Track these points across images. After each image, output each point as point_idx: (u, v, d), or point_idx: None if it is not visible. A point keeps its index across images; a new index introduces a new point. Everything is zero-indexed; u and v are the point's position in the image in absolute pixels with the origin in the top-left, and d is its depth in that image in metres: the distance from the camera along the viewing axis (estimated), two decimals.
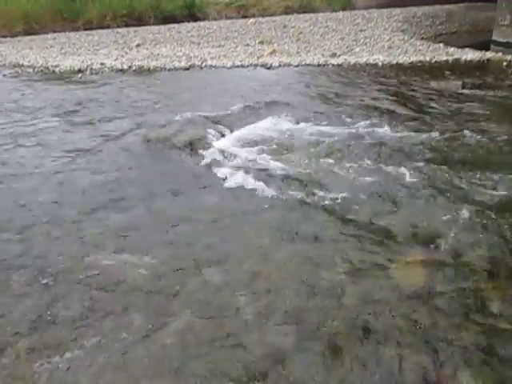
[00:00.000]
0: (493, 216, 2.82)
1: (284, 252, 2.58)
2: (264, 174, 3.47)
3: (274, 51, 8.56)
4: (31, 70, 7.97)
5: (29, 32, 11.95)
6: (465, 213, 2.87)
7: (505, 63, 7.41)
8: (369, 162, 3.66)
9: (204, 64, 7.87)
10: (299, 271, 2.41)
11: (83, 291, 2.28)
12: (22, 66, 8.36)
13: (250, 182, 3.36)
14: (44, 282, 2.35)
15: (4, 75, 7.73)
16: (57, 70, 7.91)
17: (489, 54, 7.97)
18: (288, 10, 15.06)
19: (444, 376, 1.79)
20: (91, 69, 7.81)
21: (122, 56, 8.74)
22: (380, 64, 7.52)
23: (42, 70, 7.97)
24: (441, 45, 8.85)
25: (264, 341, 1.97)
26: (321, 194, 3.16)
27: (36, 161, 3.93)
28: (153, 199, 3.22)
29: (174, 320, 2.09)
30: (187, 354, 1.91)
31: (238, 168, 3.62)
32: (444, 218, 2.84)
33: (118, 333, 2.02)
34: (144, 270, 2.44)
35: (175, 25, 12.61)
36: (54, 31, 12.08)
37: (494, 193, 3.12)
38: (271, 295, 2.24)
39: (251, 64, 7.75)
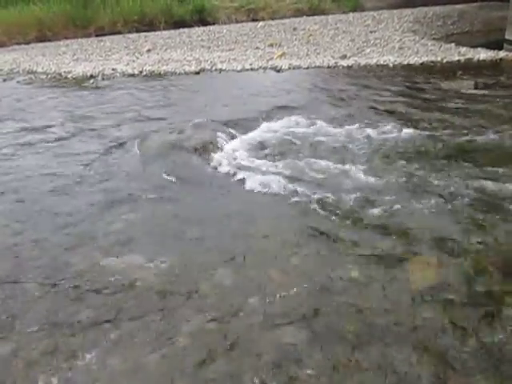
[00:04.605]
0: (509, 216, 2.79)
1: (297, 253, 2.58)
2: (275, 176, 3.46)
3: (283, 54, 8.56)
4: (44, 77, 8.09)
5: (42, 39, 12.14)
6: (479, 212, 2.84)
7: None
8: (381, 162, 3.64)
9: (214, 68, 7.91)
10: (314, 270, 2.42)
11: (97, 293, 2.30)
12: (36, 72, 8.49)
13: (261, 184, 3.36)
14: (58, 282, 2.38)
15: (18, 82, 7.86)
16: (69, 76, 8.01)
17: (502, 54, 7.87)
18: (298, 13, 15.05)
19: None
20: (103, 74, 7.90)
21: (133, 61, 8.82)
22: (391, 65, 7.47)
23: (54, 77, 8.09)
24: (452, 45, 8.76)
25: (277, 340, 1.97)
26: (334, 195, 3.14)
27: (50, 166, 3.97)
28: (167, 201, 3.24)
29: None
30: (202, 357, 1.91)
31: (249, 170, 3.62)
32: (459, 217, 2.82)
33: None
34: (157, 272, 2.45)
35: (185, 29, 12.70)
36: (67, 38, 12.26)
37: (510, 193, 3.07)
38: (284, 295, 2.24)
39: (261, 67, 7.76)
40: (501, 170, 3.39)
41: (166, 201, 3.26)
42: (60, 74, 8.17)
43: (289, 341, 1.97)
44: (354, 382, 1.78)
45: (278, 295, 2.24)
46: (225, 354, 1.92)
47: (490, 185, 3.17)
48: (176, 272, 2.45)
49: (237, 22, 13.97)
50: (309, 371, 1.82)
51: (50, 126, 5.12)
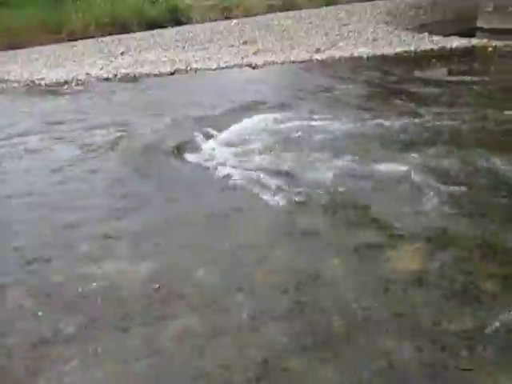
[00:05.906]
0: (486, 198, 2.84)
1: (280, 246, 2.59)
2: (252, 172, 3.46)
3: (258, 50, 8.55)
4: (17, 85, 7.91)
5: (13, 46, 11.88)
6: (457, 196, 2.89)
7: (490, 49, 7.44)
8: (359, 152, 3.67)
9: (189, 68, 7.85)
10: (298, 261, 2.43)
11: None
12: (8, 81, 8.29)
13: (240, 180, 3.37)
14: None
15: None
16: (42, 82, 7.85)
17: (474, 41, 8.00)
18: (271, 9, 15.02)
19: None
20: (77, 80, 7.77)
21: (107, 65, 8.69)
22: (365, 56, 7.52)
23: (28, 84, 7.91)
24: (425, 34, 8.86)
25: (263, 336, 1.97)
26: (311, 186, 3.16)
27: (27, 174, 3.91)
28: (147, 201, 3.22)
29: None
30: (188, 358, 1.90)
31: (226, 167, 3.62)
32: (436, 200, 2.85)
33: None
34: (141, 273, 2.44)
35: (159, 30, 12.58)
36: (39, 44, 12.01)
37: (489, 175, 3.12)
38: (270, 289, 2.24)
39: (236, 65, 7.73)
40: (474, 151, 3.46)
41: (145, 199, 3.23)
42: (33, 82, 7.99)
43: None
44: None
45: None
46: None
47: (461, 166, 3.23)
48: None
49: (210, 20, 13.87)
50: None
51: (22, 134, 5.02)
